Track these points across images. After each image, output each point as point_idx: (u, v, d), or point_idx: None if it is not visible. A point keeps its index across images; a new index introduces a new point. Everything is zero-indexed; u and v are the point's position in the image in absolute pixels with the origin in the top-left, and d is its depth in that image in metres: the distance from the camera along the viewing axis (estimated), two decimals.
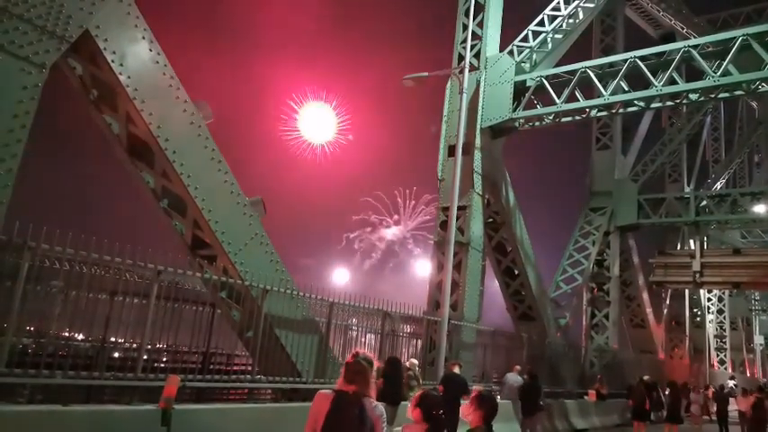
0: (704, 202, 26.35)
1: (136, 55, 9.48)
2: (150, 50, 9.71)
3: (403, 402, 10.90)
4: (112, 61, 9.14)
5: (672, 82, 16.13)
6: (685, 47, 16.31)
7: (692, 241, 28.34)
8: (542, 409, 14.69)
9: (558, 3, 20.76)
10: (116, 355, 11.08)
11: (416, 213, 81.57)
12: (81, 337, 10.49)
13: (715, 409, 20.52)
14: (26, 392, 7.73)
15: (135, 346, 9.51)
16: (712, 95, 16.81)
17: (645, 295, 30.15)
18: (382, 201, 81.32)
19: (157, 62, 9.80)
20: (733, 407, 20.75)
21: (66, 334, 9.52)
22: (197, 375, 9.02)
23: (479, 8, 19.34)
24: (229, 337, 11.24)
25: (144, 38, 9.62)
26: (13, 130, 7.63)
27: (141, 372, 8.06)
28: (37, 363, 7.22)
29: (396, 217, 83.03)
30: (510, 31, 20.25)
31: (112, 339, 10.61)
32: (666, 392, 18.87)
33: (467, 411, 4.15)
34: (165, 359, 10.18)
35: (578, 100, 17.57)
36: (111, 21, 9.13)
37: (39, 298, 7.74)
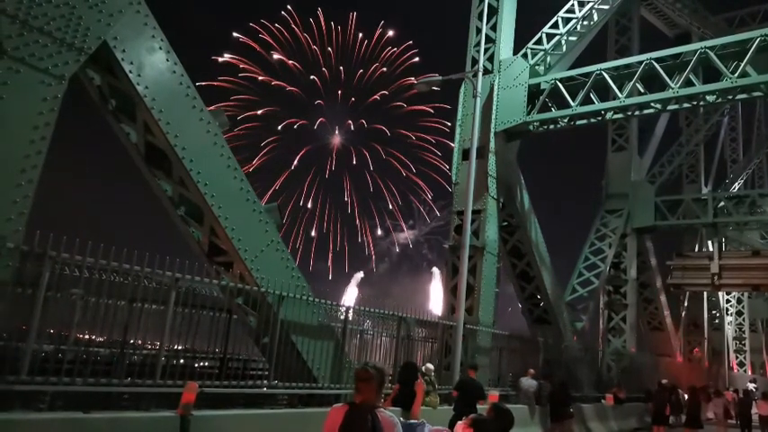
0: (722, 204, 26.04)
1: (153, 65, 9.61)
2: (167, 60, 9.83)
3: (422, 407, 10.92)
4: (130, 71, 9.27)
5: (688, 84, 15.98)
6: (702, 48, 16.13)
7: (710, 243, 28.02)
8: (571, 416, 14.71)
9: (573, 5, 20.65)
10: (135, 358, 11.22)
11: (431, 218, 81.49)
12: (100, 341, 10.62)
13: (735, 412, 20.30)
14: (47, 399, 7.85)
15: (153, 352, 9.60)
16: (730, 97, 16.64)
17: (662, 298, 29.87)
18: (399, 206, 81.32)
19: (174, 71, 9.91)
20: (754, 410, 20.50)
21: (87, 338, 9.66)
22: (214, 381, 9.10)
23: (493, 11, 19.30)
24: (246, 343, 11.31)
25: (161, 48, 9.75)
26: (33, 141, 7.76)
27: (160, 378, 8.15)
28: (58, 370, 7.33)
29: (411, 222, 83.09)
30: (524, 33, 20.22)
31: (131, 342, 10.73)
32: (686, 396, 18.70)
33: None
34: (183, 365, 10.26)
35: (593, 102, 17.47)
36: (128, 31, 9.27)
37: (59, 305, 7.85)
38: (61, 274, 7.56)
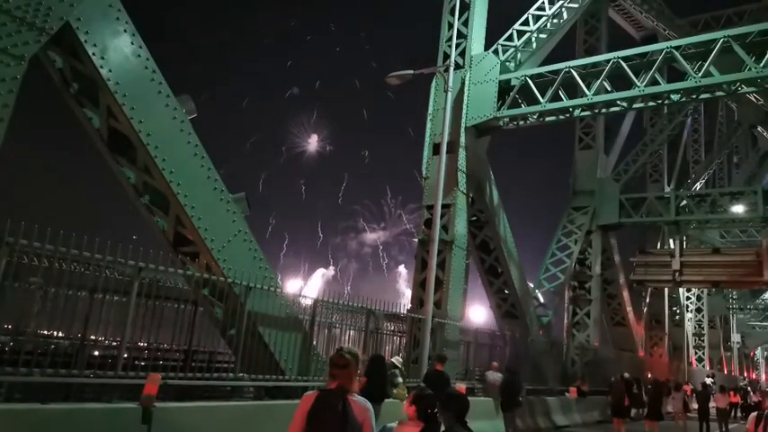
0: (684, 202, 26.64)
1: (117, 48, 9.35)
2: (132, 44, 9.58)
3: (387, 400, 10.91)
4: (93, 54, 9.01)
5: (654, 82, 16.25)
6: (668, 48, 16.44)
7: (671, 240, 28.66)
8: (520, 405, 14.74)
9: (543, 2, 20.86)
10: (96, 353, 10.94)
11: (401, 221, 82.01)
12: (60, 334, 10.32)
13: (696, 406, 20.84)
14: (3, 391, 7.58)
15: (115, 343, 9.37)
16: (694, 96, 16.98)
17: (625, 294, 30.45)
18: (369, 208, 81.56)
19: (139, 56, 9.67)
20: (712, 403, 21.08)
21: (46, 332, 9.38)
22: (179, 373, 8.91)
23: (465, 7, 19.32)
24: (212, 335, 11.13)
25: (126, 31, 9.49)
26: None
27: (122, 370, 7.93)
28: (15, 360, 7.08)
29: (382, 224, 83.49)
30: (495, 29, 20.32)
31: (92, 337, 10.46)
32: (648, 388, 19.11)
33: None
34: (146, 357, 10.04)
35: (562, 99, 17.62)
36: (92, 13, 8.99)
37: (17, 295, 7.59)
38: (19, 262, 7.30)
